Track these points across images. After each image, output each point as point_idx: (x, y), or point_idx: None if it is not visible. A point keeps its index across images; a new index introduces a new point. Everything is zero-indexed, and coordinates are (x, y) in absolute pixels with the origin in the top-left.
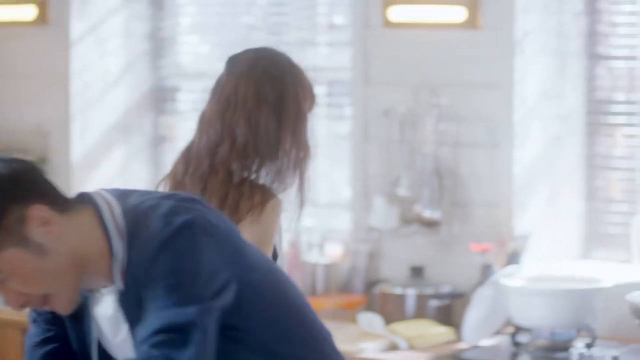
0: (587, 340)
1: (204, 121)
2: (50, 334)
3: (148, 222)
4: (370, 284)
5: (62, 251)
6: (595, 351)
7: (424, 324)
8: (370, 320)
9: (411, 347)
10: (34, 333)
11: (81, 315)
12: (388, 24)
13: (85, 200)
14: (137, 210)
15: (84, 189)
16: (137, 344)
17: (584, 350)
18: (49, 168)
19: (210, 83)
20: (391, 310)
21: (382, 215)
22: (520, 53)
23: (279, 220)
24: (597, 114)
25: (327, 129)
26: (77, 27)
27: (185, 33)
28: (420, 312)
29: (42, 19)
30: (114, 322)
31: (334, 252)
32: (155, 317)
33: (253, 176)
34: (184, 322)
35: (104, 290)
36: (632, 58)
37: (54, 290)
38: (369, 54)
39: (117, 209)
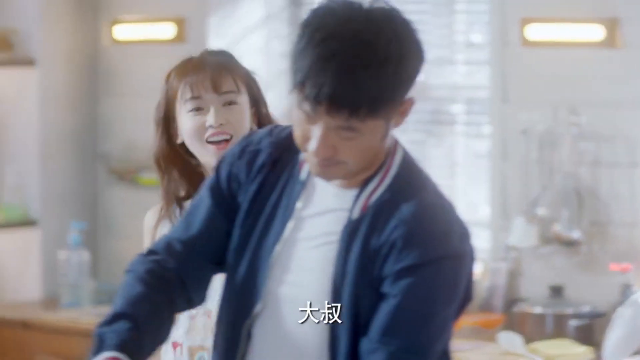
0: None
1: None
2: (222, 218)
3: (433, 209)
4: (510, 303)
5: (385, 143)
6: None
7: (564, 344)
8: (511, 339)
9: None
10: (210, 204)
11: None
12: (526, 42)
13: None
14: (413, 169)
15: None
16: (366, 336)
17: None
18: None
19: None
20: (530, 329)
21: (522, 234)
22: None
23: None
24: None
25: (466, 148)
26: (215, 45)
27: None
28: (560, 332)
29: (179, 37)
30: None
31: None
32: (400, 325)
33: None
34: (427, 348)
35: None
36: None
37: (356, 165)
38: (507, 73)
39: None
